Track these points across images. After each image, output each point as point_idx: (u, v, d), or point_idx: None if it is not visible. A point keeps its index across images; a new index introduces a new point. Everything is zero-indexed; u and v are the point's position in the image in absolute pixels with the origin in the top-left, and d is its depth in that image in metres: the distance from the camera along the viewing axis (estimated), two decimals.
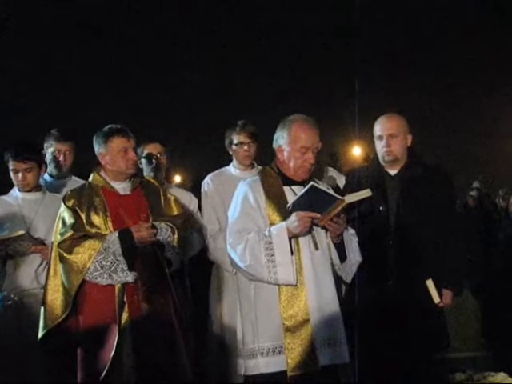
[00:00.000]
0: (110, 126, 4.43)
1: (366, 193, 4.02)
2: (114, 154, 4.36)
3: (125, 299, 4.21)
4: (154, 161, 5.24)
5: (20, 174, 4.77)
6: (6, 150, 4.82)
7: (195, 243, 5.15)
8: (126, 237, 4.21)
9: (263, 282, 3.99)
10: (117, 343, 4.12)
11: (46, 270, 4.46)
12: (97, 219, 4.30)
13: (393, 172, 4.77)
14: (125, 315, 4.20)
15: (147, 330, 4.22)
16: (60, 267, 4.24)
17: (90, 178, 4.48)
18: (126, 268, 4.18)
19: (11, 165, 4.79)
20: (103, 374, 4.09)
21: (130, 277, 4.19)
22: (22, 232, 4.55)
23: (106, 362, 4.11)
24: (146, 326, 4.22)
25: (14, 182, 4.84)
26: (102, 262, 4.17)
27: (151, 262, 4.30)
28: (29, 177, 4.79)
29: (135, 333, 4.19)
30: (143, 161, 5.23)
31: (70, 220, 4.27)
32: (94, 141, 4.44)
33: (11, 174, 4.82)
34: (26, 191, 4.84)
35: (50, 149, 5.25)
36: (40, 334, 4.28)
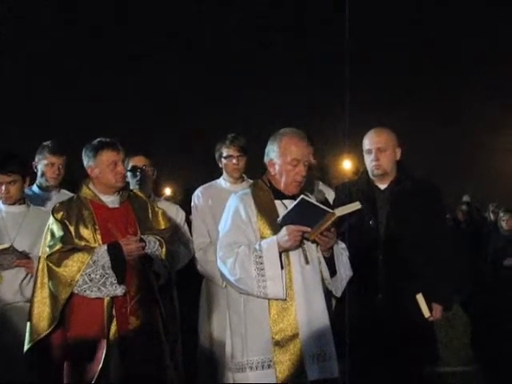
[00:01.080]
0: (99, 139, 4.42)
1: (355, 205, 4.01)
2: (103, 168, 4.35)
3: (113, 312, 4.19)
4: (138, 174, 5.24)
5: (3, 187, 4.73)
6: None
7: (182, 256, 5.14)
8: (115, 250, 4.20)
9: (253, 296, 3.98)
10: (104, 356, 4.09)
11: (30, 283, 4.47)
12: (86, 232, 4.28)
13: (382, 186, 4.78)
14: (113, 328, 4.18)
15: (135, 344, 4.20)
16: (48, 280, 4.22)
17: (79, 191, 4.46)
18: (116, 281, 4.16)
19: None
20: None
21: (119, 290, 4.17)
22: (6, 245, 4.51)
23: (93, 375, 4.09)
24: (134, 340, 4.20)
25: None
26: (91, 274, 4.15)
27: (140, 276, 4.28)
28: (12, 190, 4.74)
29: (123, 346, 4.17)
30: (128, 174, 5.22)
31: (58, 232, 4.26)
32: (83, 154, 4.43)
33: None
34: (10, 204, 4.81)
35: (43, 161, 5.22)
36: (25, 348, 4.24)
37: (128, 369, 4.15)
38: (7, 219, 4.78)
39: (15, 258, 4.58)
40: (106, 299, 4.18)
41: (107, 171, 4.35)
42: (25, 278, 4.63)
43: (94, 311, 4.18)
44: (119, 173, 4.37)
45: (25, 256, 4.61)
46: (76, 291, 4.16)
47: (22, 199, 4.87)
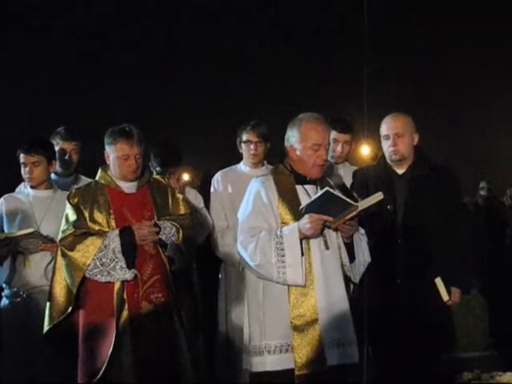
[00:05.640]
0: (121, 127, 4.39)
1: (378, 196, 4.01)
2: (115, 157, 4.36)
3: (125, 297, 4.21)
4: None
5: (28, 168, 4.78)
6: (19, 147, 4.84)
7: (200, 232, 5.16)
8: (126, 234, 4.21)
9: (272, 282, 4.00)
10: (116, 341, 4.12)
11: None
12: (100, 217, 4.30)
13: (400, 171, 4.78)
14: (125, 313, 4.20)
15: (147, 329, 4.21)
16: (63, 263, 4.26)
17: (97, 176, 4.49)
18: (125, 266, 4.17)
19: (21, 158, 4.80)
20: (101, 371, 4.10)
21: (128, 274, 4.18)
22: (31, 230, 4.55)
23: (104, 360, 4.11)
24: (146, 324, 4.22)
25: (23, 176, 4.86)
26: (102, 259, 4.17)
27: (153, 261, 4.30)
28: (36, 171, 4.78)
29: (135, 331, 4.19)
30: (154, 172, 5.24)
31: (72, 217, 4.29)
32: (105, 138, 4.44)
33: (21, 168, 4.83)
34: (33, 186, 4.84)
35: (55, 147, 5.21)
36: (46, 328, 4.30)
37: (139, 354, 4.17)
38: (34, 203, 4.82)
39: (40, 242, 4.62)
40: (117, 283, 4.20)
41: (119, 162, 4.36)
42: (50, 262, 4.64)
43: (106, 295, 4.20)
44: (130, 166, 4.35)
45: (50, 240, 4.64)
46: (88, 275, 4.19)
47: (49, 183, 4.91)
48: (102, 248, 4.18)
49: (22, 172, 4.84)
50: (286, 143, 4.25)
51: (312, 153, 4.11)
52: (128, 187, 4.43)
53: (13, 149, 4.92)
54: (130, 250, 4.21)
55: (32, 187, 4.88)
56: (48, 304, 4.32)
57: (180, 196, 4.62)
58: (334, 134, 5.28)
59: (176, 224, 4.38)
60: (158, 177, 4.78)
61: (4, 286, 4.78)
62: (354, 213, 3.93)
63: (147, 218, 4.33)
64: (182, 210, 4.54)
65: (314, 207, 3.94)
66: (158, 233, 4.28)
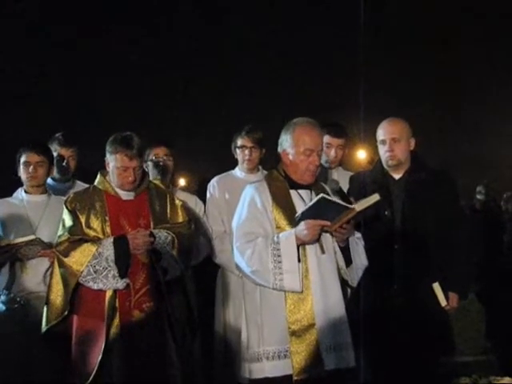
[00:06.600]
0: (123, 136, 4.35)
1: (374, 198, 4.01)
2: (114, 167, 4.34)
3: (116, 305, 4.20)
4: (161, 164, 5.25)
5: (31, 167, 4.76)
6: (21, 147, 4.83)
7: (202, 248, 5.16)
8: (120, 243, 4.20)
9: (269, 288, 3.99)
10: (106, 348, 4.11)
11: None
12: (96, 223, 4.29)
13: (397, 176, 4.78)
14: (116, 321, 4.19)
15: (137, 337, 4.20)
16: (58, 269, 4.26)
17: (96, 181, 4.48)
18: (118, 275, 4.16)
19: (24, 157, 4.78)
20: (91, 376, 4.10)
21: (120, 283, 4.17)
22: (32, 237, 4.53)
23: (94, 365, 4.11)
24: (137, 333, 4.21)
25: (23, 176, 4.82)
26: (95, 266, 4.16)
27: (146, 270, 4.27)
28: (39, 171, 4.78)
29: (125, 339, 4.18)
30: (149, 164, 5.25)
31: (68, 222, 4.29)
32: (106, 144, 4.41)
33: (21, 168, 4.81)
34: (32, 188, 4.84)
35: (53, 153, 5.19)
36: (43, 329, 4.31)
37: (128, 363, 4.16)
38: (29, 208, 4.81)
39: (40, 249, 4.61)
40: (109, 292, 4.19)
41: (117, 172, 4.33)
42: (49, 268, 4.63)
43: (98, 302, 4.20)
44: (126, 178, 4.33)
45: (49, 246, 4.62)
46: (81, 281, 4.19)
47: (43, 188, 4.90)
48: (96, 255, 4.17)
49: (23, 172, 4.82)
50: (279, 148, 4.25)
51: (305, 158, 4.12)
52: (126, 194, 4.42)
53: (9, 154, 4.91)
54: (124, 260, 4.20)
55: (26, 192, 4.87)
56: (45, 306, 4.32)
57: (179, 202, 4.58)
58: (327, 139, 5.29)
59: (171, 233, 4.35)
60: (157, 182, 4.76)
61: (1, 292, 4.77)
62: (352, 215, 3.92)
63: (143, 227, 4.32)
64: (181, 217, 4.52)
65: (310, 214, 3.93)
66: (152, 242, 4.26)
